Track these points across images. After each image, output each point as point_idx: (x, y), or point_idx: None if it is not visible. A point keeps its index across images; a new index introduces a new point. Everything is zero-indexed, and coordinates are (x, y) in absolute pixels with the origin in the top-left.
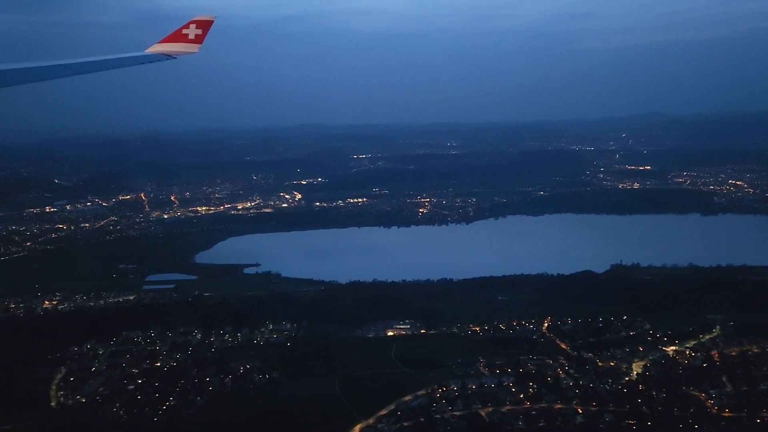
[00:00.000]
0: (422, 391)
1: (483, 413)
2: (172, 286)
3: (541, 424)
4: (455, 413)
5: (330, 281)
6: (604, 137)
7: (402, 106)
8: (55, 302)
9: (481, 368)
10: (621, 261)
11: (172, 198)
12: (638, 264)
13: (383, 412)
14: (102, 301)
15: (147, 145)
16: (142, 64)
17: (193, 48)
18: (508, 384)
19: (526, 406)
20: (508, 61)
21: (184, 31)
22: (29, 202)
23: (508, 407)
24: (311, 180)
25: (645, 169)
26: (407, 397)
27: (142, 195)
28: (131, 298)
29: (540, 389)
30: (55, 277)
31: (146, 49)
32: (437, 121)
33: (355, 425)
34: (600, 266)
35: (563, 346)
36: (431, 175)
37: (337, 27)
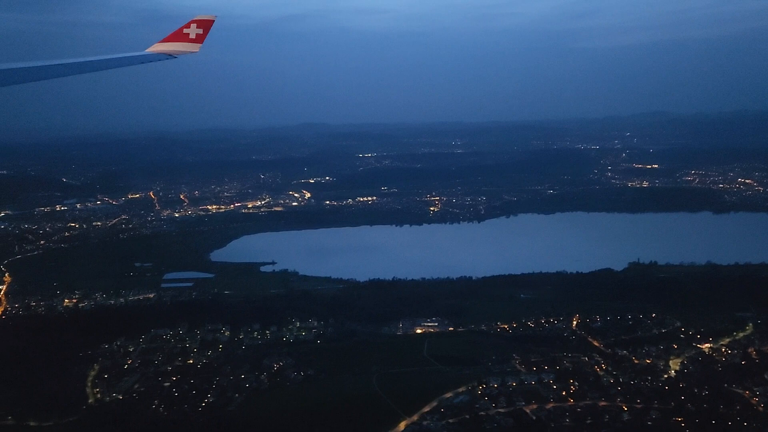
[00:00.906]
0: (462, 388)
1: (528, 410)
2: (190, 284)
3: (589, 422)
4: (500, 410)
5: (348, 279)
6: (608, 136)
7: (403, 105)
8: (75, 300)
9: (517, 365)
10: (638, 259)
11: (181, 197)
12: (656, 262)
13: (426, 409)
14: (122, 299)
15: (151, 145)
16: (142, 63)
17: (193, 48)
18: (549, 381)
19: (570, 403)
20: (509, 60)
21: (185, 31)
22: (39, 201)
23: (551, 404)
24: (319, 179)
25: (652, 167)
26: (448, 394)
27: (151, 194)
28: (151, 296)
29: (582, 386)
30: (72, 275)
31: (147, 48)
32: (439, 120)
33: (399, 422)
34: (617, 264)
35: (596, 344)
36: (438, 173)
37: (338, 26)
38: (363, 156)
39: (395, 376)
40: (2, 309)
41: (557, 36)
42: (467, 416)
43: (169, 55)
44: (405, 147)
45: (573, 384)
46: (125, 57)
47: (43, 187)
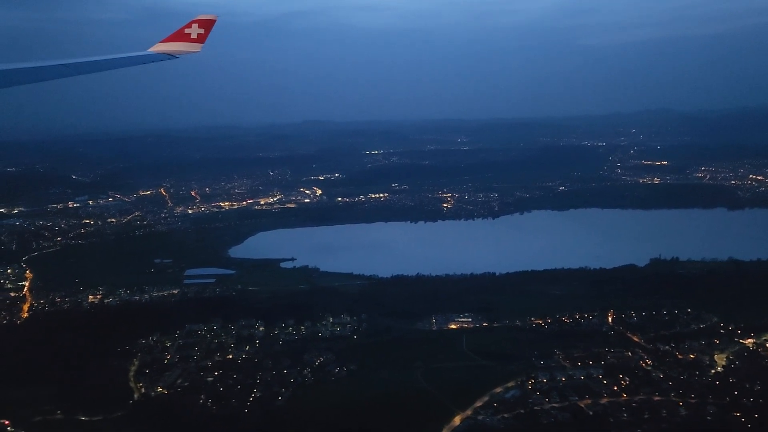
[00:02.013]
0: (511, 383)
1: (582, 405)
2: (212, 280)
3: (647, 417)
4: (554, 405)
5: (370, 275)
6: (613, 133)
7: (407, 102)
8: (99, 296)
9: (561, 360)
10: (660, 255)
11: (192, 193)
12: (677, 258)
13: (478, 403)
14: (147, 296)
15: (156, 142)
16: (144, 63)
17: (195, 47)
18: (597, 376)
19: (624, 398)
20: (511, 57)
21: (187, 31)
22: (50, 198)
23: (605, 399)
24: (328, 175)
25: (662, 164)
26: (498, 389)
27: (162, 190)
28: (175, 292)
29: (632, 382)
30: (92, 271)
31: (149, 48)
32: (443, 117)
33: (453, 417)
34: (639, 260)
35: (635, 339)
36: (447, 170)
37: (340, 23)
38: (370, 153)
39: (440, 371)
40: (28, 305)
41: (558, 33)
42: (522, 411)
43: (171, 55)
44: (411, 144)
45: (623, 379)
46: (127, 57)
47: (53, 184)
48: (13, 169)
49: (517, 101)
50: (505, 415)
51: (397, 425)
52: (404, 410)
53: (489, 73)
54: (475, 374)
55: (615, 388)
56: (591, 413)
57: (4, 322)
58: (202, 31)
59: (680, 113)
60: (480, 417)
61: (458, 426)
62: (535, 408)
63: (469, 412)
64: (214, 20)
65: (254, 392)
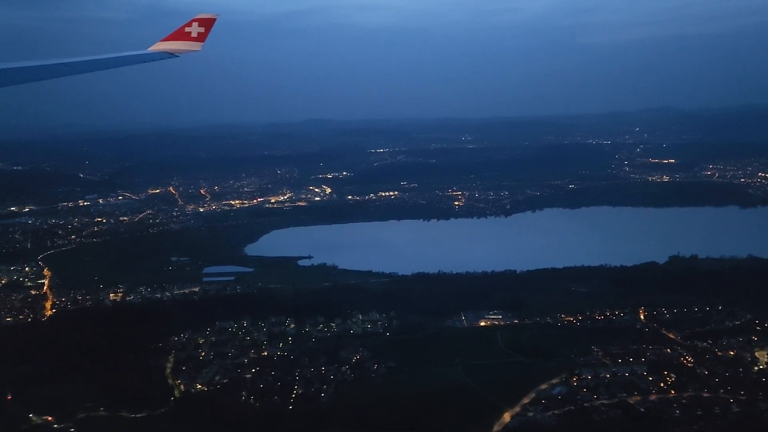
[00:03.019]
0: (555, 380)
1: (632, 402)
2: (231, 278)
3: (699, 413)
4: (603, 401)
5: (390, 273)
6: (617, 131)
7: (407, 101)
8: (120, 294)
9: (601, 358)
10: (678, 252)
11: (202, 192)
12: (696, 255)
13: (525, 400)
14: (168, 293)
15: (160, 141)
16: (144, 62)
17: (195, 46)
18: (642, 373)
19: (672, 394)
20: (512, 56)
21: (187, 30)
22: (60, 196)
23: (654, 396)
24: (336, 174)
25: (669, 162)
26: (543, 386)
27: (171, 189)
28: (196, 290)
29: (678, 378)
30: (110, 269)
31: (149, 47)
32: (445, 116)
33: (502, 413)
34: (657, 257)
35: (671, 336)
36: (454, 168)
37: (340, 22)
38: (375, 151)
39: (481, 367)
40: (50, 303)
41: (559, 32)
42: (572, 408)
43: (171, 54)
44: (415, 143)
45: (668, 376)
46: (127, 56)
47: (61, 183)
48: (20, 167)
49: (518, 100)
50: (555, 412)
51: (446, 421)
52: (452, 407)
53: (490, 72)
54: (516, 371)
55: (661, 384)
56: (642, 410)
57: (29, 319)
58: (202, 30)
59: (682, 112)
60: (530, 414)
61: (509, 423)
62: (585, 405)
63: (517, 408)
64: (214, 19)
65: (295, 389)
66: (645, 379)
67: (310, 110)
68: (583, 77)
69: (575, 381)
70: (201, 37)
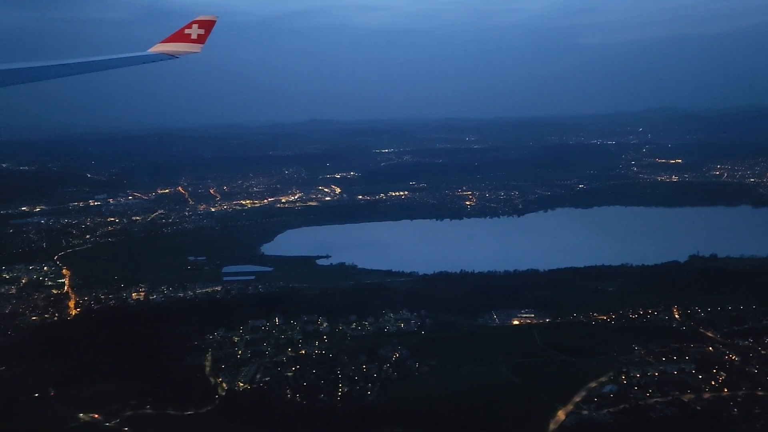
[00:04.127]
0: (603, 378)
1: (686, 400)
2: (252, 277)
3: (758, 411)
4: (656, 400)
5: (410, 272)
6: (621, 131)
7: (409, 101)
8: (143, 293)
9: (644, 356)
10: (698, 252)
11: (211, 192)
12: (715, 255)
13: (577, 398)
14: (190, 292)
15: (163, 141)
16: (144, 63)
17: (195, 48)
18: (690, 371)
19: (726, 393)
20: (512, 57)
21: (187, 31)
22: (69, 196)
23: (708, 394)
24: (344, 174)
25: (676, 162)
26: (592, 384)
27: (180, 189)
28: (218, 288)
29: (729, 377)
30: (128, 269)
31: (149, 48)
32: (446, 116)
33: (555, 411)
34: (677, 257)
35: (709, 335)
36: (461, 169)
37: (340, 22)
38: (380, 152)
39: (525, 365)
40: (73, 302)
41: (559, 32)
42: (626, 406)
43: (171, 56)
44: (420, 143)
45: (717, 374)
46: (127, 57)
47: (69, 183)
48: (26, 167)
49: (519, 100)
50: (610, 410)
51: (501, 419)
52: (503, 405)
53: (490, 73)
54: (562, 369)
55: (713, 383)
56: (698, 408)
57: (55, 318)
58: (202, 31)
59: (684, 112)
60: (584, 412)
61: (564, 421)
62: (640, 403)
63: (570, 406)
64: (214, 21)
65: (340, 387)
66: (695, 377)
67: (311, 111)
68: (584, 78)
69: (624, 379)
70: (201, 39)
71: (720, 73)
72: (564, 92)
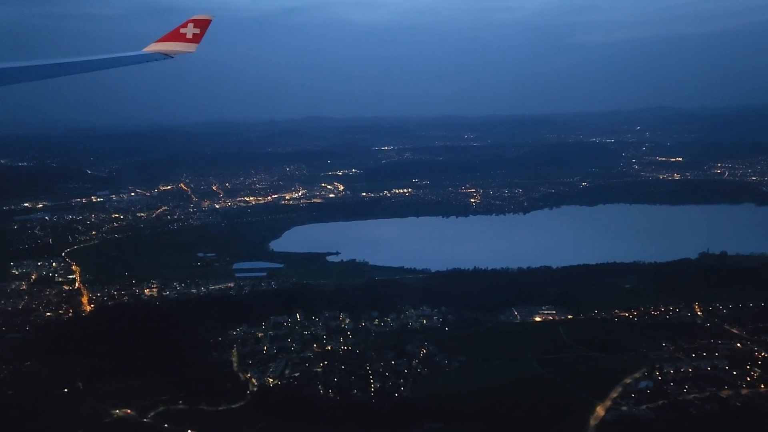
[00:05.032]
0: (637, 374)
1: (724, 396)
2: (263, 273)
3: None
4: (695, 395)
5: (423, 269)
6: (619, 130)
7: (406, 98)
8: (155, 289)
9: (673, 352)
10: (708, 249)
11: (213, 188)
12: (725, 252)
13: (614, 394)
14: (203, 288)
15: (161, 138)
16: (139, 63)
17: (190, 47)
18: (724, 367)
19: (763, 389)
20: (508, 55)
21: (182, 30)
22: (71, 192)
23: (746, 390)
24: (346, 171)
25: (677, 160)
26: (627, 380)
27: (182, 185)
28: (231, 285)
29: (764, 373)
30: (138, 265)
31: (144, 46)
32: (443, 114)
33: (594, 407)
34: (687, 254)
35: (735, 331)
36: (463, 166)
37: (336, 19)
38: (380, 149)
39: (555, 362)
40: (86, 298)
41: (555, 30)
42: (665, 401)
43: (166, 55)
44: (419, 140)
45: (751, 370)
46: (122, 57)
47: (70, 179)
48: (25, 163)
49: (515, 98)
50: (649, 406)
51: (540, 415)
52: (540, 400)
53: (487, 70)
54: (593, 365)
55: (748, 379)
56: (738, 404)
57: (70, 314)
58: (197, 31)
59: (679, 111)
60: (623, 408)
61: (605, 416)
62: (678, 399)
63: (608, 402)
64: (210, 20)
65: (371, 382)
66: (729, 373)
67: (307, 107)
68: (580, 76)
69: (659, 375)
70: (196, 39)
71: (715, 73)
72: (560, 90)
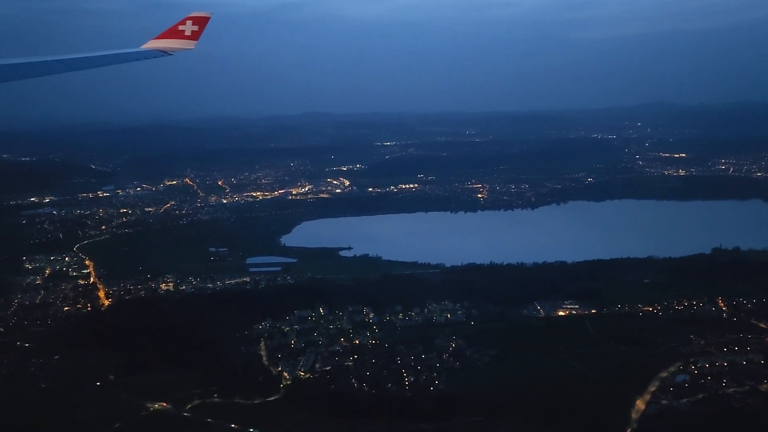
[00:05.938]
0: (672, 368)
1: (764, 389)
2: (278, 268)
3: None
4: (735, 389)
5: (437, 264)
6: (619, 126)
7: (405, 94)
8: (171, 284)
9: (704, 346)
10: (720, 245)
11: (219, 183)
12: (738, 247)
13: (652, 388)
14: (219, 283)
15: (162, 133)
16: (137, 60)
17: (189, 44)
18: (760, 361)
19: None
20: (506, 51)
21: (180, 28)
22: (77, 187)
23: None
24: (350, 166)
25: (681, 156)
26: (663, 374)
27: (187, 180)
28: (246, 279)
29: None
30: (151, 259)
31: (142, 44)
32: (443, 110)
33: (633, 401)
34: (700, 250)
35: (762, 326)
36: (467, 162)
37: (333, 14)
38: (383, 144)
39: (588, 356)
40: (103, 293)
41: (553, 26)
42: (705, 395)
43: (164, 52)
44: (421, 136)
45: None
46: (120, 54)
47: (74, 174)
48: (28, 158)
49: (513, 94)
50: (689, 399)
51: (581, 408)
52: (578, 394)
53: (484, 66)
54: (626, 359)
55: None
56: None
57: (89, 308)
58: (196, 28)
59: (678, 107)
60: (663, 402)
61: (646, 410)
62: (719, 392)
63: (647, 396)
64: (208, 18)
65: (405, 376)
66: (765, 367)
67: (307, 103)
68: (578, 72)
69: (694, 369)
70: (195, 36)
71: (714, 69)
72: (559, 86)
